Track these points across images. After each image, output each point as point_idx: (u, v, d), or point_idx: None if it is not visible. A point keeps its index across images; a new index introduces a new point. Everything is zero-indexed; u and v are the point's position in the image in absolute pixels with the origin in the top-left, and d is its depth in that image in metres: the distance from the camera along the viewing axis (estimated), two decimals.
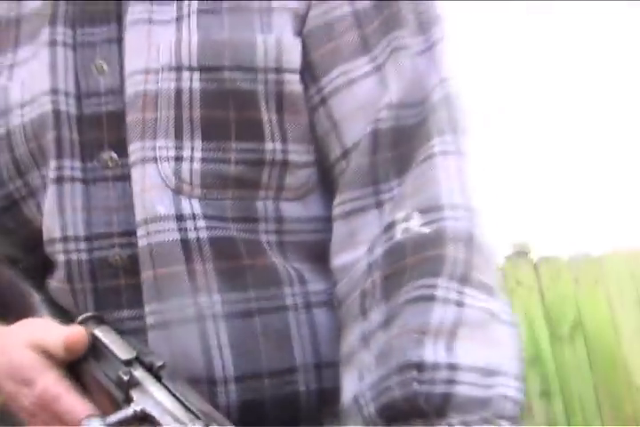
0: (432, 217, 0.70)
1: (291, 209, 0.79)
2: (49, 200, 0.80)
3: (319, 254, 0.78)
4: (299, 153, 0.79)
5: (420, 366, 0.64)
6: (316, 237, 0.79)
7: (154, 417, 0.65)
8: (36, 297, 0.83)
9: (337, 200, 0.77)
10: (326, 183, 0.80)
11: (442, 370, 0.63)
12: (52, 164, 0.80)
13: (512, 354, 0.68)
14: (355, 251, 0.74)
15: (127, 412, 0.65)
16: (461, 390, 0.63)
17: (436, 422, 0.62)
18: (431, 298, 0.66)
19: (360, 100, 0.78)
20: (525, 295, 3.49)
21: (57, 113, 0.80)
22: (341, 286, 0.74)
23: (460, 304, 0.67)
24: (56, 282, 0.81)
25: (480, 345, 0.66)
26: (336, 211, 0.77)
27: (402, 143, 0.75)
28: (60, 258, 0.79)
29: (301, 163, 0.80)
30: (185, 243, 0.76)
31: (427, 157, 0.74)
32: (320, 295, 0.78)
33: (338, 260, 0.76)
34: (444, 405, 0.62)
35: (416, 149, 0.75)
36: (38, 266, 0.83)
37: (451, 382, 0.63)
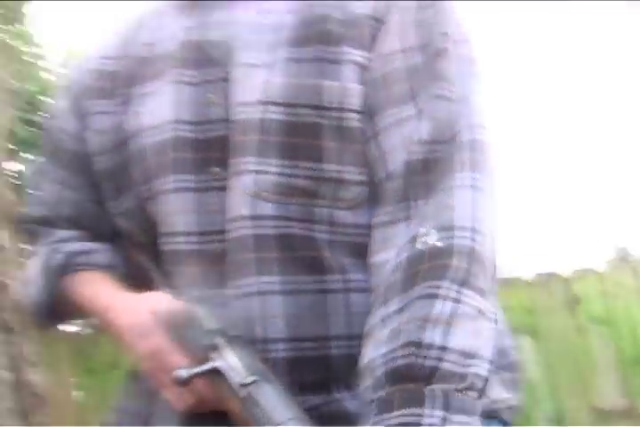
0: (445, 235, 0.91)
1: (342, 216, 1.01)
2: (171, 204, 1.06)
3: (360, 252, 0.99)
4: (351, 173, 1.01)
5: (418, 345, 0.85)
6: (359, 239, 1.00)
7: (223, 373, 0.91)
8: (157, 276, 1.10)
9: (377, 212, 0.99)
10: (372, 198, 1.01)
11: (434, 349, 0.85)
12: (172, 177, 1.06)
13: (489, 343, 0.89)
14: (386, 253, 0.95)
15: (206, 367, 0.92)
16: (446, 365, 0.84)
17: (423, 387, 0.84)
18: (435, 296, 0.88)
19: (402, 136, 0.99)
20: (627, 298, 3.60)
21: (177, 138, 1.06)
22: (374, 278, 0.96)
23: (456, 301, 0.88)
24: (169, 265, 1.08)
25: (467, 334, 0.87)
26: (375, 220, 0.98)
27: (429, 172, 0.96)
28: (179, 247, 1.05)
29: (353, 181, 1.01)
30: (257, 237, 1.00)
31: (447, 188, 0.94)
32: (355, 283, 1.00)
33: (373, 258, 0.97)
34: (430, 375, 0.84)
35: (440, 179, 0.95)
36: (152, 252, 1.10)
37: (439, 359, 0.84)
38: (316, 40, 1.04)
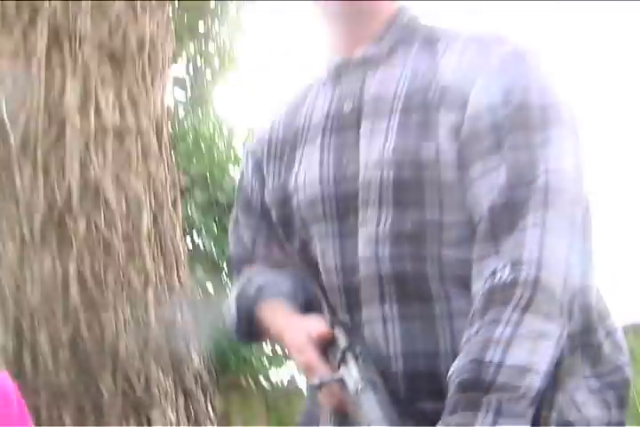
0: (515, 269, 1.13)
1: (447, 253, 1.23)
2: (322, 247, 1.33)
3: (464, 282, 1.21)
4: (451, 218, 1.23)
5: (480, 362, 1.09)
6: (462, 272, 1.21)
7: (345, 382, 1.18)
8: (323, 301, 1.37)
9: (474, 249, 1.20)
10: (473, 237, 1.21)
11: (492, 366, 1.08)
12: (321, 225, 1.32)
13: (545, 359, 1.10)
14: (478, 284, 1.17)
15: (333, 376, 1.20)
16: (501, 379, 1.07)
17: (482, 396, 1.07)
18: (499, 320, 1.10)
19: (488, 184, 1.19)
20: None
21: (322, 194, 1.32)
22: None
23: (517, 325, 1.09)
24: (326, 294, 1.34)
25: (524, 352, 1.09)
26: (473, 256, 1.20)
27: (509, 215, 1.17)
28: (329, 280, 1.32)
29: (453, 224, 1.23)
30: (379, 274, 1.25)
31: (522, 227, 1.15)
32: (459, 309, 1.22)
33: (472, 288, 1.19)
34: (488, 387, 1.07)
35: (517, 220, 1.16)
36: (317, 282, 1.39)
37: (496, 373, 1.08)
38: (419, 107, 1.26)
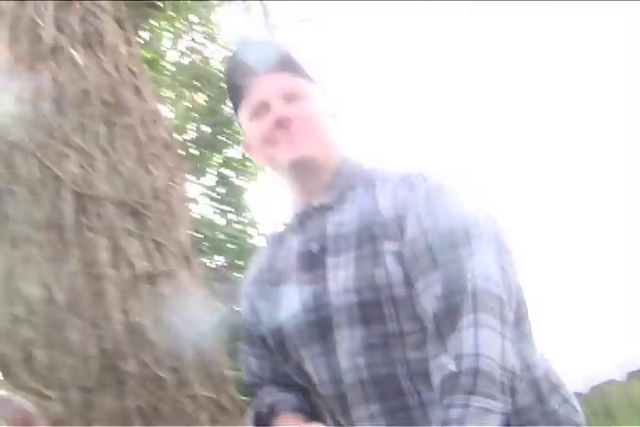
0: (458, 362, 1.43)
1: (410, 355, 1.55)
2: (311, 365, 1.65)
3: (427, 377, 1.50)
4: (408, 327, 1.55)
5: None
6: (425, 368, 1.51)
7: None
8: (323, 409, 1.68)
9: (428, 349, 1.50)
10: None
11: None
12: (307, 347, 1.65)
13: None
14: (435, 378, 1.47)
15: None
16: None
17: None
18: (451, 405, 1.40)
19: (430, 295, 1.51)
20: None
21: (305, 321, 1.66)
22: None
23: (465, 406, 1.39)
24: (321, 402, 1.67)
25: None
26: (429, 354, 1.50)
27: (448, 318, 1.48)
28: (321, 391, 1.64)
29: (411, 331, 1.55)
30: (359, 380, 1.59)
31: (459, 328, 1.46)
32: (428, 399, 1.52)
33: (433, 381, 1.48)
34: None
35: (456, 322, 1.46)
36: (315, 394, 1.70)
37: None
38: (368, 241, 1.61)
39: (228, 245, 7.23)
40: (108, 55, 4.21)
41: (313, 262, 1.68)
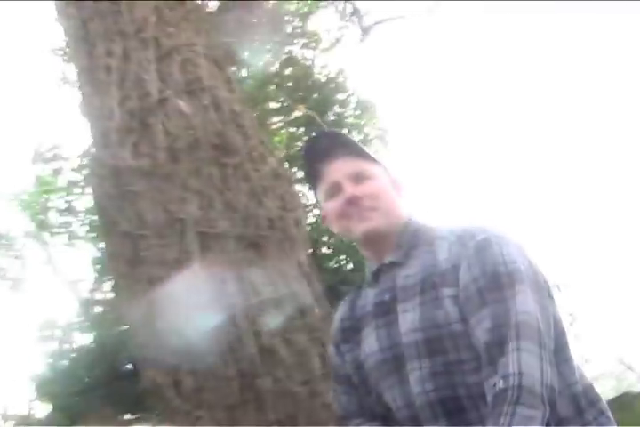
0: (504, 380, 1.77)
1: (471, 379, 1.90)
2: (391, 395, 2.02)
3: (483, 397, 1.85)
4: (465, 354, 1.91)
5: None
6: (481, 390, 1.86)
7: None
8: None
9: (483, 372, 1.86)
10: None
11: None
12: (386, 380, 2.03)
13: None
14: (488, 396, 1.81)
15: None
16: None
17: None
18: (501, 413, 1.74)
19: (482, 328, 1.87)
20: None
21: (383, 359, 2.07)
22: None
23: (513, 414, 1.72)
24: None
25: None
26: (483, 377, 1.85)
27: (497, 346, 1.83)
28: (402, 414, 2.00)
29: (468, 359, 1.91)
30: (429, 403, 1.95)
31: (505, 353, 1.80)
32: (485, 414, 1.83)
33: (487, 399, 1.82)
34: None
35: (502, 349, 1.81)
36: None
37: None
38: (430, 289, 1.98)
39: None
40: (209, 99, 4.58)
41: (386, 309, 2.05)
